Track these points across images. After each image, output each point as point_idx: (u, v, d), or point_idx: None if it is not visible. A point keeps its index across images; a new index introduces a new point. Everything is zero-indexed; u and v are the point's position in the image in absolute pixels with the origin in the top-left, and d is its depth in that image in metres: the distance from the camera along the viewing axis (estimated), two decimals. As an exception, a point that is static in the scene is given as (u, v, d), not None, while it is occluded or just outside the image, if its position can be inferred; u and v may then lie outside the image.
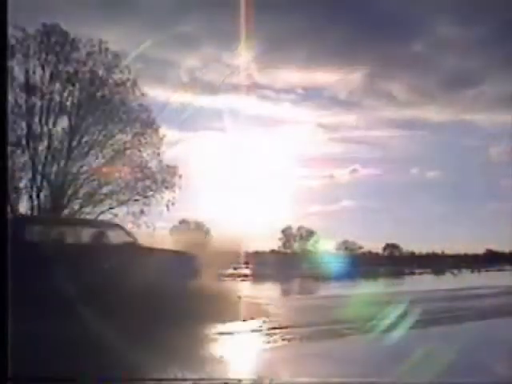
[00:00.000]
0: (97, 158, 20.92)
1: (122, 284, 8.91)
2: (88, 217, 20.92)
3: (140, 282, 8.87)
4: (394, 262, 43.11)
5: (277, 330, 8.79)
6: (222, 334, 8.52)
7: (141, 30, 29.03)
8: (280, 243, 47.97)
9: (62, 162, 20.14)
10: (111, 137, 20.89)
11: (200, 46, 33.88)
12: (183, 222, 28.98)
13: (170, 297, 9.11)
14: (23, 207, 20.05)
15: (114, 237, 11.02)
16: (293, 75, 34.66)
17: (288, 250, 47.70)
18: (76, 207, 20.76)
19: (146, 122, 21.14)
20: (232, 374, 6.00)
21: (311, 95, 38.48)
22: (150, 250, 10.85)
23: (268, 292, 20.21)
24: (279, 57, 30.77)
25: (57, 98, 20.02)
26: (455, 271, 37.80)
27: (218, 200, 21.05)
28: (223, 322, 9.20)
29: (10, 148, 17.46)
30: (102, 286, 9.03)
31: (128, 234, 11.33)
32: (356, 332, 8.97)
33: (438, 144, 40.34)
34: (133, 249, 10.68)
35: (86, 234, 11.37)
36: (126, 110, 20.90)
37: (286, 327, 9.13)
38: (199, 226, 26.56)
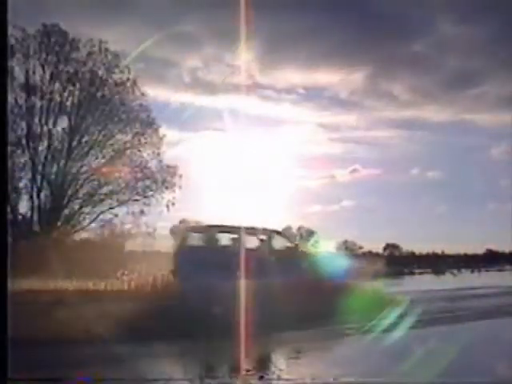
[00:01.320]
0: (97, 158, 20.96)
1: (291, 283, 10.10)
2: (88, 217, 21.05)
3: (305, 280, 10.34)
4: (394, 262, 43.03)
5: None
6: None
7: (141, 29, 28.98)
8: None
9: (62, 162, 20.16)
10: (111, 137, 20.90)
11: (201, 46, 33.83)
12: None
13: (330, 293, 10.39)
14: (23, 207, 20.10)
15: (277, 242, 12.29)
16: (293, 75, 34.63)
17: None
18: (76, 207, 20.81)
19: (145, 122, 21.15)
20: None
21: (312, 95, 38.35)
22: (308, 253, 12.10)
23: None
24: (280, 57, 30.79)
25: (57, 98, 20.05)
26: (455, 271, 37.73)
27: (218, 200, 21.02)
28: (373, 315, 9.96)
29: (10, 148, 17.47)
30: (274, 285, 9.94)
31: (288, 239, 12.53)
32: (356, 332, 8.98)
33: (438, 144, 40.31)
34: (294, 252, 11.92)
35: (251, 240, 12.37)
36: (125, 110, 20.92)
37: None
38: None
